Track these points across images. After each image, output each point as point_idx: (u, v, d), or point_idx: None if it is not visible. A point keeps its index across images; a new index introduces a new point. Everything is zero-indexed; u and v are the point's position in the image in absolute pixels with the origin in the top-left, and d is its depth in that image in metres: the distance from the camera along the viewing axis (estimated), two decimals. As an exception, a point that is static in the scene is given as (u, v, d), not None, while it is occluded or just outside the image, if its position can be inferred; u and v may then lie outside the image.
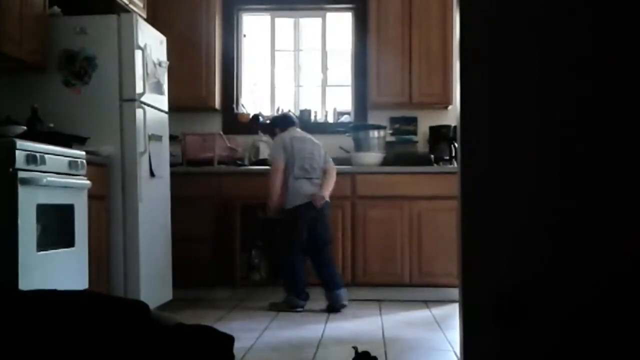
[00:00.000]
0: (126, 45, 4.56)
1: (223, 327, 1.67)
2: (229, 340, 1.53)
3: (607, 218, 2.70)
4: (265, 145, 6.08)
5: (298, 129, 5.43)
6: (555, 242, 2.73)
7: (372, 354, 3.11)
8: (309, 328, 4.42)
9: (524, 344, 2.75)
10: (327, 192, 5.18)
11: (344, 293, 5.11)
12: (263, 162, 5.86)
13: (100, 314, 1.48)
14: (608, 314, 2.71)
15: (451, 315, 4.71)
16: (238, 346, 1.95)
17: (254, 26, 6.64)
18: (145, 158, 4.67)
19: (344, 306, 5.09)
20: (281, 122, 5.52)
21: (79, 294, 1.87)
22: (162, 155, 5.06)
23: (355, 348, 3.17)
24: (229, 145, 5.94)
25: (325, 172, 5.26)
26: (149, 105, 4.72)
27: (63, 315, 1.46)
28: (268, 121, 6.31)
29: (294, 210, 5.10)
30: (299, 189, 5.13)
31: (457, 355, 3.46)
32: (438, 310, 5.08)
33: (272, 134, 5.52)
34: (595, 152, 2.71)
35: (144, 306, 1.55)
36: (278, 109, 6.48)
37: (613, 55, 2.64)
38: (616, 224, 2.70)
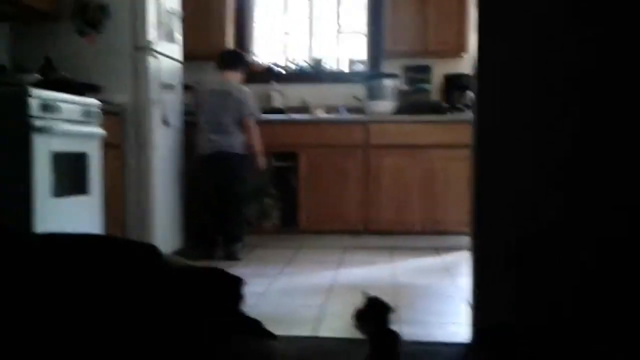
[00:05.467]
0: (138, -7, 4.54)
1: (236, 273, 1.71)
2: (238, 281, 1.57)
3: (621, 173, 2.70)
4: (278, 95, 6.06)
5: None
6: (568, 193, 2.73)
7: (383, 300, 3.15)
8: (321, 274, 4.48)
9: (535, 291, 2.78)
10: None
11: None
12: (279, 110, 5.87)
13: (110, 255, 1.51)
14: (618, 263, 2.73)
15: (461, 262, 4.75)
16: (250, 291, 1.98)
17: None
18: (158, 107, 4.69)
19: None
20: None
21: (89, 236, 1.90)
22: (174, 104, 5.07)
23: (365, 294, 3.21)
24: (242, 94, 5.91)
25: None
26: (161, 54, 4.72)
27: (71, 256, 1.49)
28: (283, 71, 6.27)
29: None
30: None
31: (467, 301, 3.50)
32: (448, 258, 5.13)
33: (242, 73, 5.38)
34: (615, 105, 2.69)
35: (154, 249, 1.58)
36: (292, 59, 6.45)
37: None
38: (631, 177, 2.70)
